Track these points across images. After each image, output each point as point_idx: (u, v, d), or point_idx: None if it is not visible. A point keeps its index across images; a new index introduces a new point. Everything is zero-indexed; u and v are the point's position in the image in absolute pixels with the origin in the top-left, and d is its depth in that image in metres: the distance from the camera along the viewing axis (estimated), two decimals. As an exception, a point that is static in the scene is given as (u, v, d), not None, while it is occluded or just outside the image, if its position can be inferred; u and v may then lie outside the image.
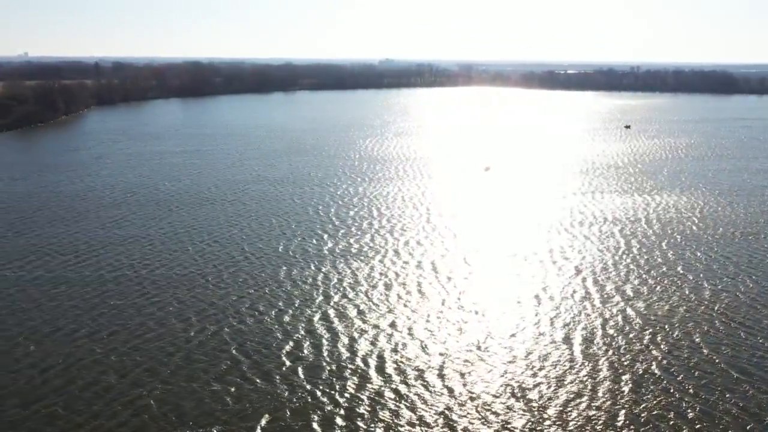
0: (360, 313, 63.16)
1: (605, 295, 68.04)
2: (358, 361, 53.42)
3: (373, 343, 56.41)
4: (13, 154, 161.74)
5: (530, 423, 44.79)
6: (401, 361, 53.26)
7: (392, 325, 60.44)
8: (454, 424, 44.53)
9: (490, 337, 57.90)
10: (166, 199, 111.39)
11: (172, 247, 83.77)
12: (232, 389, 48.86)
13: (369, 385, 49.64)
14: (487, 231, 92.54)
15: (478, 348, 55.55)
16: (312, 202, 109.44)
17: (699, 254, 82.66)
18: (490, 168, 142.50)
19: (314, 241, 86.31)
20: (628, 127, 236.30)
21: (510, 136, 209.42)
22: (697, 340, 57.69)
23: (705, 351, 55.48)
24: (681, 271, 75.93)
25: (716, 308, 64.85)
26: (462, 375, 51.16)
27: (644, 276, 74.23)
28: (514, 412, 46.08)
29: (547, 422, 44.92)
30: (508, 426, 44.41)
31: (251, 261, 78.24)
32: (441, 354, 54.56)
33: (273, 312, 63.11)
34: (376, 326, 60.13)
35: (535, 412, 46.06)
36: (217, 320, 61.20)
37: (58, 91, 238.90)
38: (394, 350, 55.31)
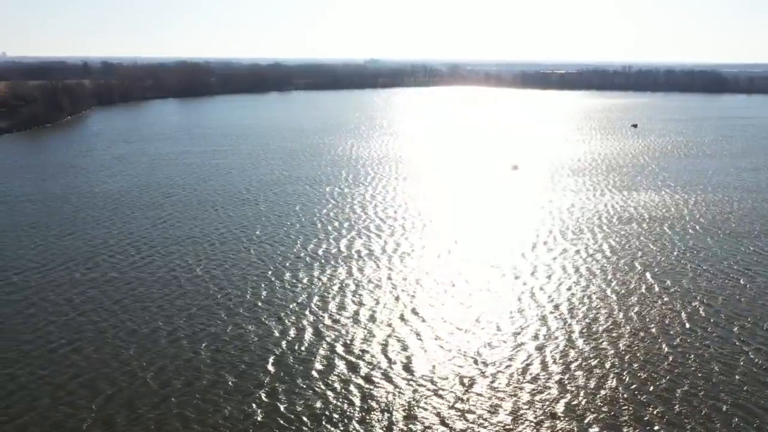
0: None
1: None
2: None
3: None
4: (30, 155, 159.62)
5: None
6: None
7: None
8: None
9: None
10: (205, 198, 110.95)
11: (234, 246, 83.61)
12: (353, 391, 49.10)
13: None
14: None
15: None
16: (346, 202, 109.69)
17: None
18: (518, 167, 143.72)
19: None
20: (635, 126, 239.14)
21: (517, 136, 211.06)
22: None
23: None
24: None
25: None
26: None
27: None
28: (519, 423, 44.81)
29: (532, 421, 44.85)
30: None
31: (313, 259, 78.42)
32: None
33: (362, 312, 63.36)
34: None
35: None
36: (294, 319, 61.43)
37: (63, 91, 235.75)
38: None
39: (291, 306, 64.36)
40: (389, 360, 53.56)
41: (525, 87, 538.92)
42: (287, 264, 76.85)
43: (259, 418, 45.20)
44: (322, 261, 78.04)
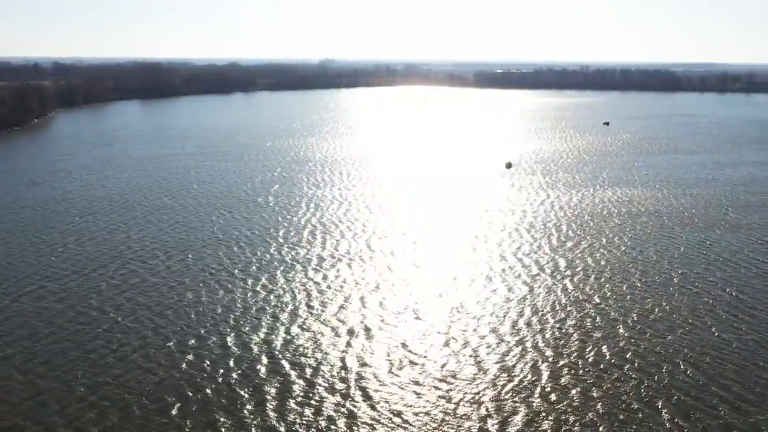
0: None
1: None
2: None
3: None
4: (9, 160, 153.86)
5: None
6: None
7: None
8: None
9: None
10: (214, 201, 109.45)
11: (264, 248, 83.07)
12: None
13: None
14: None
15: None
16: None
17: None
18: (512, 164, 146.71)
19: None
20: (607, 123, 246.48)
21: (495, 135, 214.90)
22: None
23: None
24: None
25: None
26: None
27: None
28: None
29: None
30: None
31: (284, 263, 78.75)
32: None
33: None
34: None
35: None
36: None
37: (31, 92, 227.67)
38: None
39: (254, 312, 62.94)
40: (354, 366, 52.15)
41: (485, 87, 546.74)
42: (266, 268, 76.67)
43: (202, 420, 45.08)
44: (288, 265, 77.74)
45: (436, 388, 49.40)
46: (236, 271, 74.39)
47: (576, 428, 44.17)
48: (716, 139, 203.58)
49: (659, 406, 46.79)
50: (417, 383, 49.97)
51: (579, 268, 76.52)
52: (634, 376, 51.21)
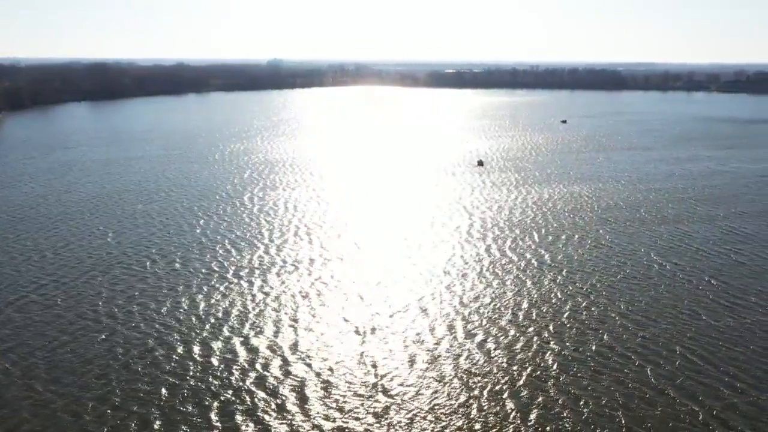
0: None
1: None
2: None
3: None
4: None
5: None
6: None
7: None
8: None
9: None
10: (190, 204, 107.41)
11: (254, 250, 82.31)
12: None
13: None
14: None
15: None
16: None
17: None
18: (483, 162, 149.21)
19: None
20: (564, 121, 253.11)
21: (458, 134, 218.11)
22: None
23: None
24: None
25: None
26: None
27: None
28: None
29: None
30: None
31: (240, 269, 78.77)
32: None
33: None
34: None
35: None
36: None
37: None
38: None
39: (203, 321, 61.35)
40: (304, 373, 51.27)
41: (439, 86, 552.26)
42: (258, 269, 76.67)
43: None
44: (243, 271, 77.75)
45: (420, 388, 50.21)
46: (228, 274, 73.56)
47: (589, 408, 45.82)
48: (669, 135, 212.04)
49: (665, 390, 49.05)
50: (399, 383, 50.71)
51: (564, 262, 78.87)
52: (636, 363, 53.44)
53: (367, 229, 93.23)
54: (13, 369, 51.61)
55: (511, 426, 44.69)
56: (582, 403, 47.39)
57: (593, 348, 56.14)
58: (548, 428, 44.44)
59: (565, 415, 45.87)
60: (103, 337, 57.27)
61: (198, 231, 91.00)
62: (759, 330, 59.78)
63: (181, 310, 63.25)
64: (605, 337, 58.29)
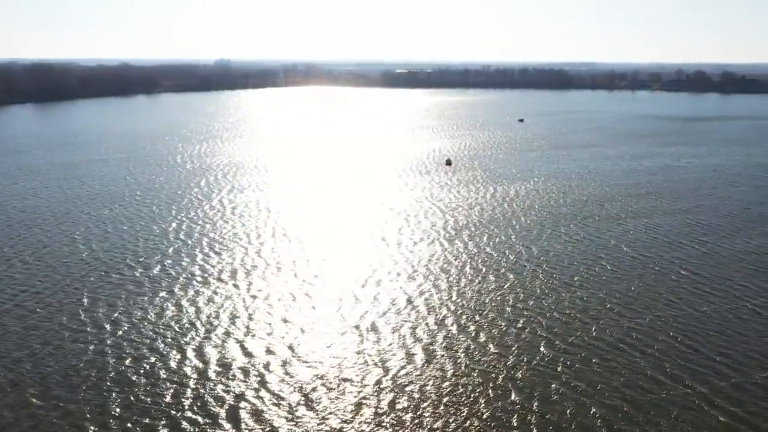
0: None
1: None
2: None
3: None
4: None
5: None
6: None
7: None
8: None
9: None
10: (164, 208, 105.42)
11: (235, 253, 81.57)
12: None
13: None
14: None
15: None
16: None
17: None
18: (451, 161, 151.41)
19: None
20: (521, 120, 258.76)
21: (417, 134, 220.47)
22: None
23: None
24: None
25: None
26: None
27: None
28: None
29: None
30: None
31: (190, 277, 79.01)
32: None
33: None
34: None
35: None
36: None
37: None
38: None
39: (193, 325, 59.97)
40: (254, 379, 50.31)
41: (392, 86, 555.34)
42: (244, 272, 76.72)
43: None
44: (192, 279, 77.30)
45: (396, 391, 51.37)
46: (211, 277, 72.78)
47: (588, 395, 47.74)
48: (622, 133, 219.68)
49: (655, 376, 51.35)
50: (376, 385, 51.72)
51: (543, 257, 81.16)
52: (627, 351, 55.62)
53: (346, 229, 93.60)
54: (3, 381, 49.90)
55: (516, 415, 46.02)
56: (580, 391, 49.12)
57: (585, 338, 58.15)
58: (549, 417, 45.90)
59: (566, 403, 47.46)
60: (92, 347, 55.78)
61: (172, 235, 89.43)
62: (734, 317, 63.09)
63: (168, 316, 62.25)
64: (594, 327, 60.45)
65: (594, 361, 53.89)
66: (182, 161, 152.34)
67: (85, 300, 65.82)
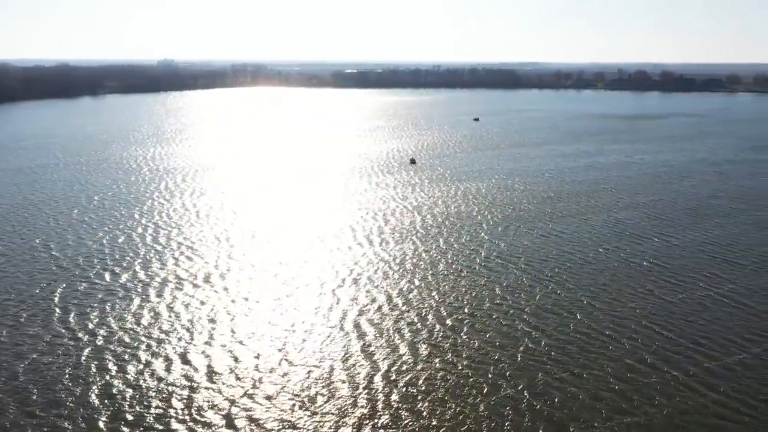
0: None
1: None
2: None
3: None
4: None
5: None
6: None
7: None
8: None
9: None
10: (142, 209, 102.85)
11: (206, 258, 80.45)
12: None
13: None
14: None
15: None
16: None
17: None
18: (415, 161, 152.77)
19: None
20: (476, 119, 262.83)
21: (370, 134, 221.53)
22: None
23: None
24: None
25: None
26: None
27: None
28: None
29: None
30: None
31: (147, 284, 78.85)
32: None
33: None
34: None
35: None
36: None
37: None
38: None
39: (190, 330, 59.20)
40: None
41: (344, 86, 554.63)
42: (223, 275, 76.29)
43: None
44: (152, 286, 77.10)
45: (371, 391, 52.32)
46: (197, 280, 71.75)
47: (582, 383, 49.55)
48: (574, 131, 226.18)
49: (645, 360, 53.67)
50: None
51: (517, 252, 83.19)
52: (614, 340, 57.86)
53: (319, 230, 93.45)
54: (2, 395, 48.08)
55: (509, 407, 47.26)
56: (568, 380, 50.80)
57: (565, 330, 59.94)
58: (540, 406, 47.35)
59: (555, 393, 49.04)
60: (87, 354, 54.34)
61: (139, 240, 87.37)
62: (703, 305, 66.24)
63: (146, 323, 61.01)
64: (572, 320, 62.43)
65: (577, 351, 55.75)
66: (139, 164, 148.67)
67: (57, 310, 63.74)
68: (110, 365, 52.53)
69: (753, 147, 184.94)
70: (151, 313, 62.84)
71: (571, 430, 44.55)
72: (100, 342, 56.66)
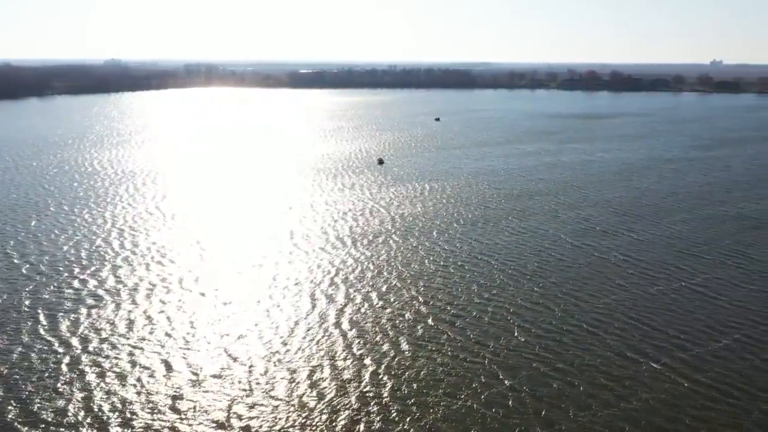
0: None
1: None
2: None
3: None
4: None
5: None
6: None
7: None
8: None
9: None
10: (107, 215, 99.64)
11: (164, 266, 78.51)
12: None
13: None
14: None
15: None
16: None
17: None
18: (383, 161, 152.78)
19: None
20: (437, 119, 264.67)
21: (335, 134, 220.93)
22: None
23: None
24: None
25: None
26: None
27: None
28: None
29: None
30: None
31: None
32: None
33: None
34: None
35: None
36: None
37: None
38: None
39: (181, 337, 58.42)
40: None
41: (300, 87, 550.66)
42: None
43: None
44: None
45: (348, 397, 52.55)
46: (162, 286, 70.00)
47: (574, 376, 50.50)
48: (534, 130, 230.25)
49: (624, 353, 55.07)
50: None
51: (493, 249, 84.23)
52: (597, 333, 59.15)
53: (290, 233, 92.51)
54: (-34, 410, 45.77)
55: (510, 398, 47.79)
56: (562, 370, 51.78)
57: (552, 323, 61.12)
58: (539, 395, 48.10)
59: (547, 388, 49.87)
60: (65, 364, 52.32)
61: (116, 243, 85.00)
62: (678, 296, 68.46)
63: (142, 327, 59.35)
64: (557, 313, 63.62)
65: (560, 346, 56.73)
66: (97, 168, 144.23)
67: (27, 321, 61.23)
68: (91, 377, 50.79)
69: (702, 145, 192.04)
70: (127, 320, 61.03)
71: (562, 423, 45.24)
72: (76, 352, 54.69)
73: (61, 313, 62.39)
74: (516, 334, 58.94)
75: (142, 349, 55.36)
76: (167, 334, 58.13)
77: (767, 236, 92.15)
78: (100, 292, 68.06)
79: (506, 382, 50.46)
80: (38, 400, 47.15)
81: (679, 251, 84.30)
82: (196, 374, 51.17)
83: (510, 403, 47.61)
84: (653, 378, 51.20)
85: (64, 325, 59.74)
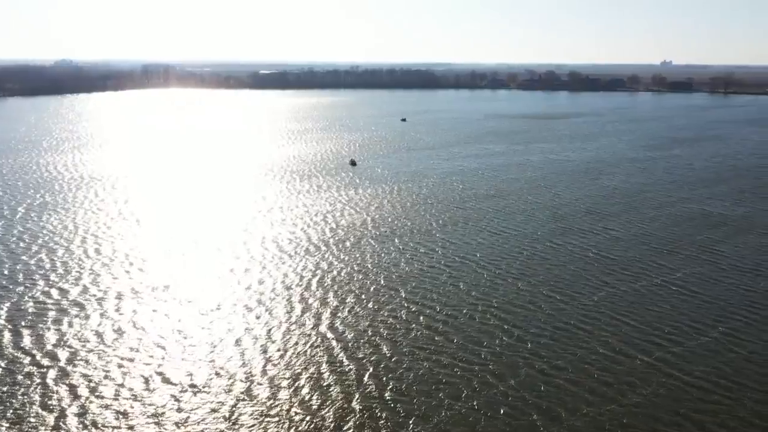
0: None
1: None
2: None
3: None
4: None
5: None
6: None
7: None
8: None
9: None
10: (75, 221, 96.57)
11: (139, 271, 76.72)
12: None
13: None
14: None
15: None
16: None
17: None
18: (356, 162, 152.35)
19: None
20: (404, 120, 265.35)
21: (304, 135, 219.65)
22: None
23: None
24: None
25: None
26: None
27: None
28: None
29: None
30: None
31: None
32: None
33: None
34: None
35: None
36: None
37: None
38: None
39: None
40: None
41: (262, 88, 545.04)
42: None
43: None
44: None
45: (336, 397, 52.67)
46: (150, 292, 68.39)
47: (568, 371, 51.30)
48: (499, 130, 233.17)
49: (614, 349, 56.24)
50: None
51: (473, 251, 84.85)
52: (586, 330, 60.17)
53: (268, 236, 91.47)
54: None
55: (508, 400, 48.21)
56: (555, 370, 52.49)
57: (538, 323, 61.87)
58: (531, 396, 48.68)
59: (546, 384, 50.54)
60: (52, 377, 50.49)
61: (91, 250, 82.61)
62: (660, 293, 70.24)
63: (129, 336, 57.74)
64: (543, 312, 64.49)
65: (552, 343, 57.62)
66: (60, 172, 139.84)
67: (7, 333, 58.94)
68: (81, 389, 49.12)
69: (663, 144, 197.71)
70: (112, 329, 59.36)
71: (564, 418, 45.87)
72: (62, 363, 52.84)
73: (49, 324, 60.24)
74: (506, 333, 59.52)
75: (111, 359, 53.85)
76: (157, 344, 56.73)
77: (733, 232, 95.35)
78: (64, 302, 65.92)
79: (504, 381, 50.90)
80: (8, 414, 45.35)
81: (655, 248, 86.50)
82: (174, 384, 50.01)
83: (510, 401, 48.01)
84: (645, 373, 52.40)
85: (28, 338, 57.64)
